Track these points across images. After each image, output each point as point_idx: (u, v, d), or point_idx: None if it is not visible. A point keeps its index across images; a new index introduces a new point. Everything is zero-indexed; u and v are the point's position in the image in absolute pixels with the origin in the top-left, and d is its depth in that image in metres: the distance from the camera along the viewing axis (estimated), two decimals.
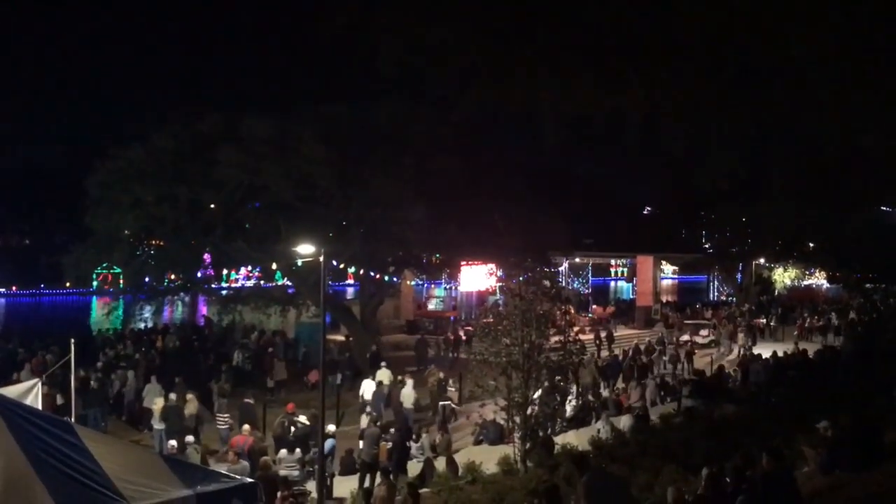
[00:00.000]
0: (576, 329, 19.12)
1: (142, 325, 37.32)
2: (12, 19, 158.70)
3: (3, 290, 79.12)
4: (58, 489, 7.38)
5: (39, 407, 11.26)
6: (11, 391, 11.40)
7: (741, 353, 31.99)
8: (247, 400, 20.77)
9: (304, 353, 32.03)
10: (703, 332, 38.93)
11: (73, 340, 14.66)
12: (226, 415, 20.37)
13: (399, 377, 24.29)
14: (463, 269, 41.23)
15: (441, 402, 22.81)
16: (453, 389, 24.01)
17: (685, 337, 36.99)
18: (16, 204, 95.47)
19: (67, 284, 72.23)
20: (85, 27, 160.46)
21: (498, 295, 38.31)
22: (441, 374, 24.76)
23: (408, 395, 22.53)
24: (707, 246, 54.65)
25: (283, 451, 17.19)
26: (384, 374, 24.33)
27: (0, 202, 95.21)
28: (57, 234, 76.49)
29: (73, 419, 13.50)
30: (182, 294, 34.83)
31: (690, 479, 12.50)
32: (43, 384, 13.59)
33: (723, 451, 13.66)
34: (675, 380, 27.28)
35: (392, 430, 18.93)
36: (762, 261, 56.23)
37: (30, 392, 12.01)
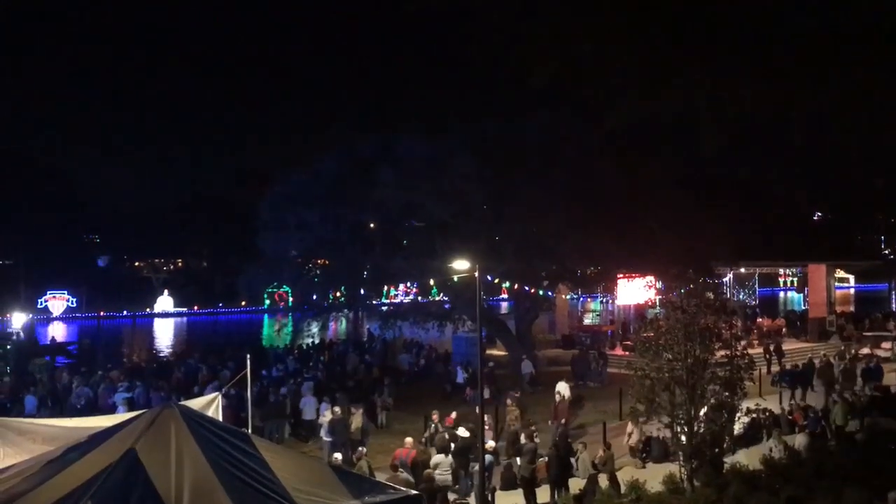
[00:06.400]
0: (743, 343, 18.22)
1: (309, 341, 39.11)
2: (180, 64, 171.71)
3: (185, 309, 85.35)
4: (237, 495, 7.84)
5: (220, 419, 11.97)
6: (194, 404, 12.13)
7: None
8: (514, 393, 22.90)
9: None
10: (886, 345, 36.07)
11: (248, 356, 15.49)
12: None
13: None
14: (619, 282, 40.37)
15: None
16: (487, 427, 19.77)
17: (865, 350, 34.42)
18: (195, 230, 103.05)
19: (242, 303, 77.11)
20: (248, 66, 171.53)
21: (658, 308, 37.21)
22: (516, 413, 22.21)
23: None
24: (887, 252, 50.63)
25: (439, 456, 17.22)
26: (563, 386, 24.65)
27: (181, 229, 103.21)
28: (231, 256, 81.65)
29: (250, 430, 14.26)
30: (346, 310, 36.19)
31: (876, 503, 11.65)
32: (223, 397, 14.42)
33: None
34: (855, 396, 25.42)
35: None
36: None
37: (211, 404, 12.76)
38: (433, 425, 19.96)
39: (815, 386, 27.44)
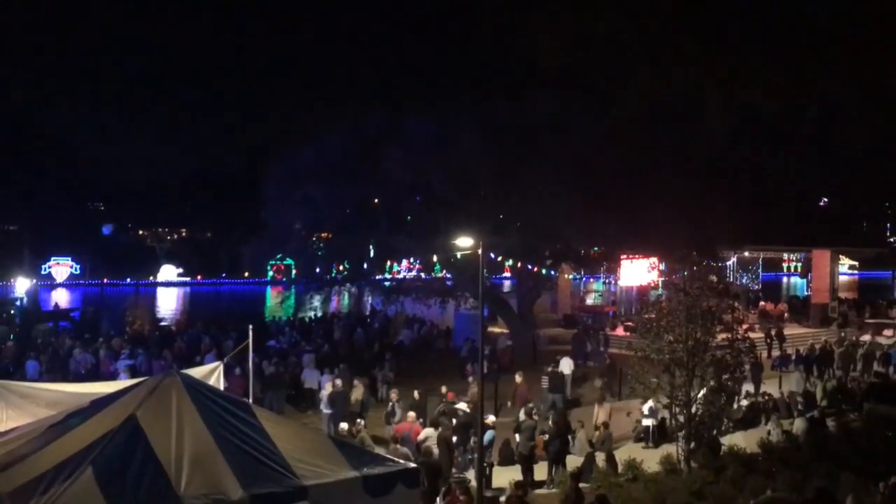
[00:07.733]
0: (744, 326, 18.26)
1: (311, 314, 39.24)
2: (188, 36, 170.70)
3: (189, 279, 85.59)
4: (237, 464, 7.90)
5: (221, 388, 12.01)
6: (195, 372, 12.16)
7: None
8: (552, 369, 23.53)
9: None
10: (887, 333, 36.08)
11: (251, 327, 15.50)
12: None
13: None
14: (623, 262, 40.35)
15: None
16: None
17: (866, 337, 34.47)
18: (200, 201, 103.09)
19: (245, 274, 77.35)
20: (255, 40, 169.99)
21: (660, 290, 37.22)
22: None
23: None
24: (892, 240, 50.53)
25: (429, 430, 17.21)
26: (567, 363, 25.04)
27: (186, 199, 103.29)
28: (236, 228, 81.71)
29: (251, 401, 14.31)
30: (349, 284, 36.25)
31: (872, 489, 11.72)
32: (225, 366, 14.42)
33: None
34: (854, 382, 25.50)
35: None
36: None
37: (212, 374, 12.79)
38: (391, 404, 19.60)
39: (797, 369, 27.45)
